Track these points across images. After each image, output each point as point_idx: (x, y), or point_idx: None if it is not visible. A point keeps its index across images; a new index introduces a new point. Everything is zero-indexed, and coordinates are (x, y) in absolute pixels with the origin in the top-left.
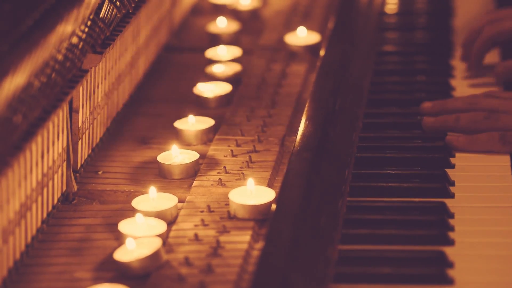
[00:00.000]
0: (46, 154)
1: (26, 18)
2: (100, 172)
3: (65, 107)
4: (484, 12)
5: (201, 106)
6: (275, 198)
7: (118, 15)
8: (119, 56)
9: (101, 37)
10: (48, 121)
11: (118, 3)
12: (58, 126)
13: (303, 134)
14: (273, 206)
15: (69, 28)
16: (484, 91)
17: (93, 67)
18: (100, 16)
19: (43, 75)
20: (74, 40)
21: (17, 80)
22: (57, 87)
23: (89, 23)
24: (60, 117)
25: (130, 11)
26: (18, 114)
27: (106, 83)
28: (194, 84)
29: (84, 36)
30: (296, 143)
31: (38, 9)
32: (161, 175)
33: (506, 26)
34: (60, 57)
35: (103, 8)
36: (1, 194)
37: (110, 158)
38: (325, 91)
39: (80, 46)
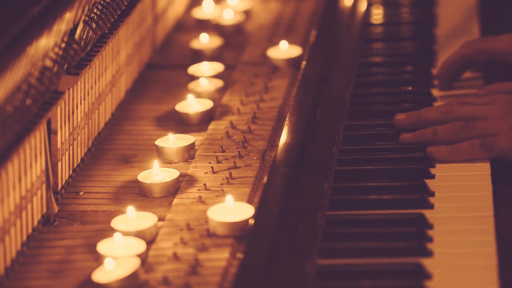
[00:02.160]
0: (24, 177)
1: None
2: (81, 193)
3: (43, 129)
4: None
5: (183, 123)
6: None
7: (94, 36)
8: (99, 76)
9: (75, 59)
10: (22, 144)
11: (93, 25)
12: (35, 148)
13: (282, 149)
14: (251, 222)
15: (41, 51)
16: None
17: (70, 88)
18: (75, 37)
19: (15, 99)
20: (48, 62)
21: None
22: (31, 110)
23: (63, 45)
24: (37, 139)
25: (107, 32)
26: None
27: (86, 103)
28: (177, 101)
29: (57, 58)
30: (275, 157)
31: (8, 33)
32: (142, 194)
33: (484, 46)
34: (32, 80)
35: (78, 30)
36: None
37: (92, 178)
38: (305, 104)
39: (54, 69)
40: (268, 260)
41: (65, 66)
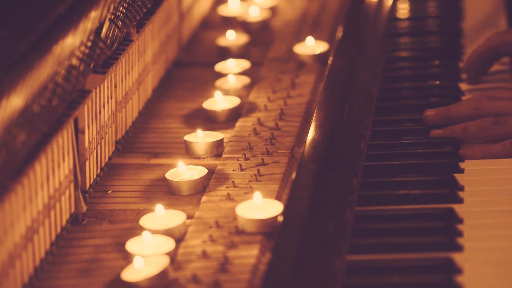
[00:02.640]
0: (52, 176)
1: (23, 41)
2: (109, 192)
3: (70, 128)
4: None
5: (210, 120)
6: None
7: (120, 34)
8: (125, 74)
9: (101, 57)
10: (49, 144)
11: (119, 23)
12: (63, 147)
13: (310, 145)
14: (279, 219)
15: (67, 50)
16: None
17: (97, 87)
18: (101, 36)
19: (42, 98)
20: (74, 61)
21: (13, 104)
22: (57, 109)
23: (89, 43)
24: (64, 138)
25: (133, 30)
26: (16, 138)
27: (113, 102)
28: (203, 99)
29: (84, 57)
30: (303, 154)
31: (34, 32)
32: (170, 192)
33: (510, 37)
34: (59, 79)
35: (104, 28)
36: (5, 218)
37: (120, 176)
38: (332, 100)
39: (80, 68)
40: (297, 256)
41: (92, 64)
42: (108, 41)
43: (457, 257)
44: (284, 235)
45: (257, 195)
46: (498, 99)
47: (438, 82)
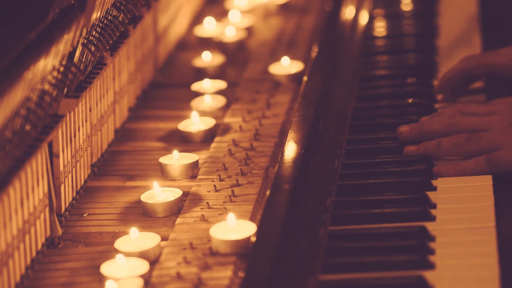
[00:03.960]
0: (26, 201)
1: None
2: (85, 215)
3: (44, 152)
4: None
5: (186, 141)
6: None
7: (93, 58)
8: (100, 97)
9: (74, 82)
10: (22, 169)
11: (92, 48)
12: (37, 172)
13: (284, 165)
14: (252, 239)
15: (39, 75)
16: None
17: (71, 111)
18: (74, 60)
19: (14, 124)
20: (46, 86)
21: None
22: (30, 134)
23: (61, 69)
24: (38, 162)
25: (106, 54)
26: None
27: (88, 125)
28: (180, 119)
29: (56, 82)
30: (276, 174)
31: (5, 58)
32: (146, 214)
33: (484, 60)
34: (31, 105)
35: (77, 52)
36: None
37: (96, 199)
38: (307, 119)
39: (53, 93)
40: (270, 277)
41: (65, 89)
42: (81, 65)
43: (429, 275)
44: (257, 256)
45: (231, 216)
46: (472, 115)
47: (411, 101)
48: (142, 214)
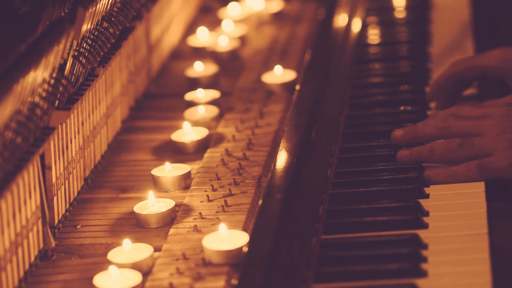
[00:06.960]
0: (18, 213)
1: None
2: (78, 226)
3: (36, 164)
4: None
5: (179, 152)
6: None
7: (84, 70)
8: (93, 109)
9: (65, 94)
10: (14, 182)
11: (83, 59)
12: (29, 184)
13: (276, 174)
14: (245, 249)
15: (29, 88)
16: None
17: (62, 123)
18: (65, 72)
19: (4, 137)
20: (37, 99)
21: None
22: (21, 147)
23: (51, 81)
24: (30, 175)
25: (97, 65)
26: None
27: (80, 137)
28: (173, 130)
29: (46, 95)
30: (269, 183)
31: None
32: (139, 225)
33: (473, 63)
34: (21, 118)
35: (67, 65)
36: None
37: (89, 211)
38: (299, 128)
39: (43, 105)
40: (263, 286)
41: (56, 102)
42: (72, 77)
43: (422, 283)
44: (249, 265)
45: (223, 226)
46: (465, 118)
47: (402, 108)
48: (135, 225)
